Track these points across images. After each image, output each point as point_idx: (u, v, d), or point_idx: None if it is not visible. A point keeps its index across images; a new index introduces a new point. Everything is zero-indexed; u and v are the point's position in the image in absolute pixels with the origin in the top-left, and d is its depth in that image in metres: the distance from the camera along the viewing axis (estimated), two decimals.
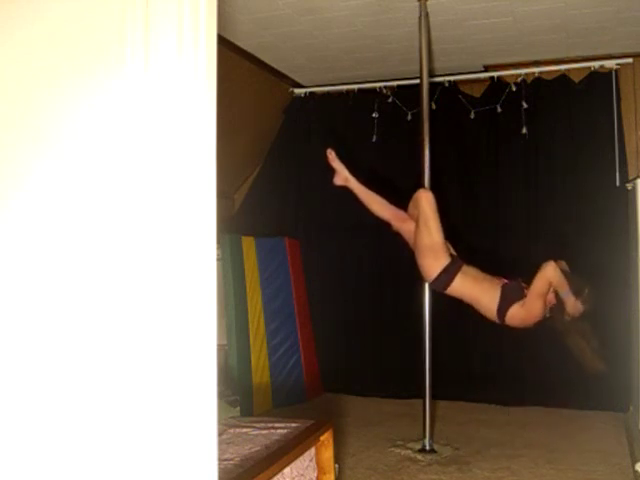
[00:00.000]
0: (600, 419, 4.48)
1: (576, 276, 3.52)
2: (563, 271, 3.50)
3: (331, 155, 3.78)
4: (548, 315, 3.51)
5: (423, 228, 3.59)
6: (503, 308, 3.52)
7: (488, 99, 5.24)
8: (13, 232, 1.36)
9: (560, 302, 3.45)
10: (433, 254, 3.59)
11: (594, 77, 4.98)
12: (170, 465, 1.25)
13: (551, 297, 3.48)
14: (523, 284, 3.56)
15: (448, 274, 3.56)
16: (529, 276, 3.52)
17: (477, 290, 3.58)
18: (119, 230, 1.28)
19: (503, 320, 3.56)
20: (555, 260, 3.52)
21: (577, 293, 3.43)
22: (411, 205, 3.74)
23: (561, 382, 4.78)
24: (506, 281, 3.60)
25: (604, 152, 4.90)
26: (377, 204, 3.82)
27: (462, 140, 5.35)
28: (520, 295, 3.52)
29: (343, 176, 3.81)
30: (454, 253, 3.69)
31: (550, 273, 3.45)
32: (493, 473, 3.46)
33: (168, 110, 1.27)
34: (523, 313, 3.51)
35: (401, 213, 3.79)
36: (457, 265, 3.59)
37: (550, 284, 3.44)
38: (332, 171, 3.82)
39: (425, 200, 3.62)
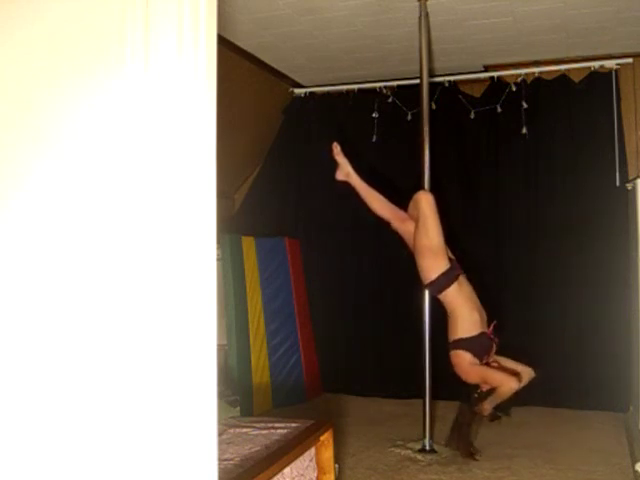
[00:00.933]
0: (600, 419, 4.48)
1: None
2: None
3: (336, 149, 3.78)
4: (475, 396, 3.57)
5: (422, 229, 3.59)
6: (461, 346, 3.55)
7: (488, 99, 5.24)
8: (13, 232, 1.36)
9: (483, 396, 3.54)
10: (432, 255, 3.59)
11: (594, 77, 4.98)
12: (170, 465, 1.25)
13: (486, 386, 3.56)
14: (495, 345, 3.63)
15: (446, 279, 3.57)
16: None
17: (463, 307, 3.59)
18: (119, 230, 1.28)
19: (450, 350, 3.60)
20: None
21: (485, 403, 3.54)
22: (411, 206, 3.74)
23: (561, 382, 4.78)
24: (488, 330, 3.63)
25: (604, 152, 4.90)
26: (378, 202, 3.82)
27: (462, 140, 5.35)
28: (483, 351, 3.57)
29: (345, 171, 3.81)
30: (452, 257, 3.69)
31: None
32: (493, 473, 3.46)
33: (168, 110, 1.27)
34: (464, 365, 3.55)
35: (401, 213, 3.79)
36: (456, 273, 3.60)
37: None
38: (335, 165, 3.82)
39: (425, 201, 3.61)
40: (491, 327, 3.64)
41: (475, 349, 3.54)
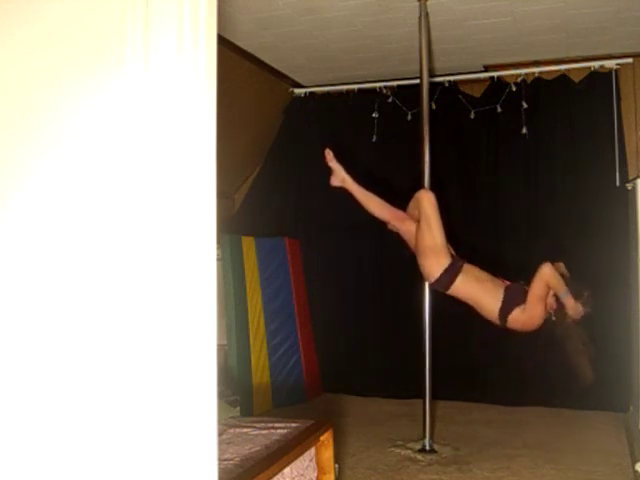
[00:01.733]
0: (600, 419, 4.48)
1: (574, 278, 3.52)
2: (560, 272, 3.49)
3: (329, 155, 3.77)
4: (554, 319, 3.49)
5: (425, 229, 3.58)
6: (505, 311, 3.51)
7: (488, 99, 5.24)
8: (13, 232, 1.36)
9: (560, 305, 3.44)
10: (435, 254, 3.59)
11: (594, 77, 4.98)
12: (170, 465, 1.25)
13: (551, 301, 3.47)
14: (525, 287, 3.56)
15: (450, 274, 3.56)
16: (530, 279, 3.52)
17: (479, 290, 3.58)
18: (119, 230, 1.28)
19: (505, 323, 3.55)
20: (552, 262, 3.51)
21: (577, 295, 3.43)
22: (412, 205, 3.73)
23: (561, 382, 4.77)
24: (509, 283, 3.60)
25: (604, 152, 4.90)
26: (374, 204, 3.82)
27: (462, 140, 5.35)
28: (522, 298, 3.50)
29: (340, 177, 3.80)
30: (453, 253, 3.69)
31: (547, 274, 3.45)
32: (493, 473, 3.46)
33: (168, 110, 1.27)
34: (524, 317, 3.49)
35: (400, 213, 3.78)
36: (459, 265, 3.58)
37: (548, 285, 3.44)
38: (330, 171, 3.82)
39: (427, 200, 3.61)
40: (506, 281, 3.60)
41: (516, 301, 3.50)
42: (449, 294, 3.66)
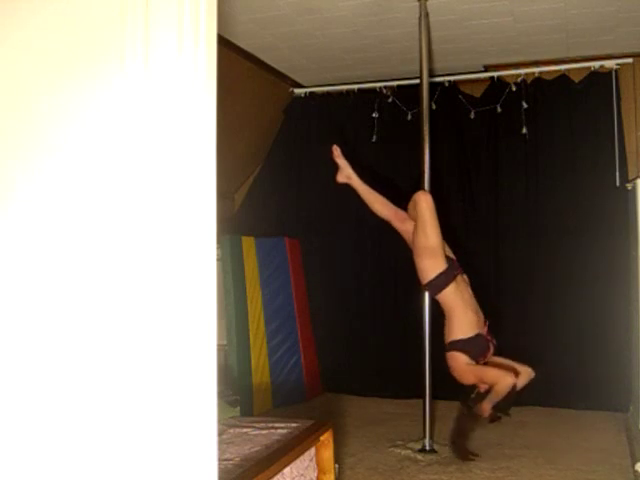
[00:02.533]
0: (600, 419, 4.48)
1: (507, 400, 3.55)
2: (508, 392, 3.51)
3: (336, 151, 3.78)
4: (473, 396, 3.56)
5: (421, 230, 3.59)
6: (457, 347, 3.55)
7: (488, 99, 5.24)
8: (13, 231, 1.36)
9: (481, 397, 3.52)
10: (430, 256, 3.59)
11: (594, 77, 4.98)
12: (170, 465, 1.25)
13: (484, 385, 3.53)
14: (492, 346, 3.63)
15: (443, 280, 3.57)
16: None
17: (459, 311, 3.59)
18: (119, 230, 1.28)
19: (446, 351, 3.60)
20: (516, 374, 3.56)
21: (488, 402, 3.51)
22: (410, 206, 3.74)
23: (561, 382, 4.78)
24: (485, 329, 3.62)
25: (604, 152, 4.90)
26: (378, 203, 3.82)
27: (462, 140, 5.35)
28: (480, 352, 3.57)
29: (346, 173, 3.81)
30: (453, 257, 3.69)
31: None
32: (493, 473, 3.46)
33: (168, 110, 1.27)
34: (460, 367, 3.54)
35: (401, 213, 3.79)
36: (454, 273, 3.59)
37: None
38: (335, 167, 3.82)
39: (424, 202, 3.61)
40: (486, 327, 3.63)
41: (471, 350, 3.54)
42: (436, 298, 3.67)
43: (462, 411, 3.69)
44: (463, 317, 3.56)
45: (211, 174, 1.31)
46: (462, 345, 3.53)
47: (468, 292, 3.65)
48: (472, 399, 3.56)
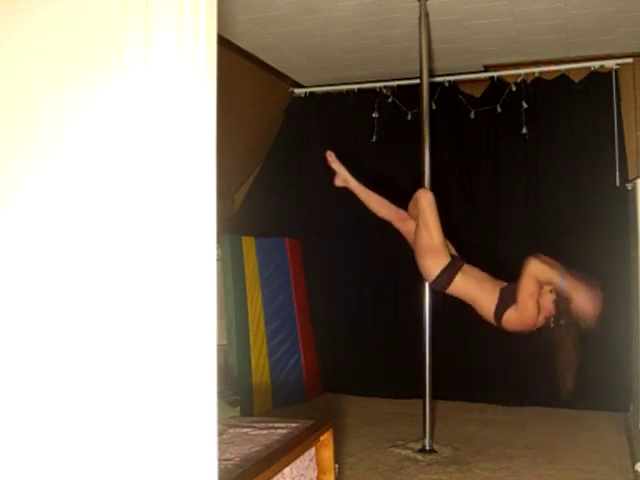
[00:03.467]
0: (600, 419, 4.48)
1: (563, 265, 3.37)
2: (547, 262, 3.39)
3: (331, 157, 3.78)
4: (552, 326, 3.37)
5: (423, 228, 3.58)
6: (500, 311, 3.49)
7: (488, 99, 5.24)
8: (13, 231, 1.36)
9: (563, 299, 3.35)
10: (433, 254, 3.58)
11: (594, 77, 4.98)
12: (170, 465, 1.25)
13: (549, 305, 3.35)
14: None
15: (448, 274, 3.55)
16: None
17: (477, 290, 3.56)
18: (118, 230, 1.28)
19: (499, 323, 3.53)
20: (535, 255, 3.43)
21: (588, 286, 3.25)
22: (411, 205, 3.73)
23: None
24: (505, 284, 3.58)
25: (604, 152, 4.90)
26: (377, 204, 3.82)
27: (462, 140, 5.35)
28: (516, 298, 3.49)
29: (343, 177, 3.81)
30: (455, 253, 3.68)
31: (533, 268, 3.37)
32: (493, 473, 3.46)
33: (168, 110, 1.27)
34: (517, 317, 3.42)
35: (401, 212, 3.78)
36: (458, 265, 3.58)
37: (537, 280, 3.37)
38: (332, 172, 3.82)
39: (425, 200, 3.61)
40: (503, 283, 3.54)
41: (510, 301, 3.43)
42: (448, 292, 3.65)
43: (564, 348, 3.42)
44: (486, 293, 3.51)
45: (211, 174, 1.31)
46: (501, 307, 3.44)
47: (478, 271, 3.61)
48: (563, 314, 3.29)
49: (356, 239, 5.49)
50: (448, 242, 3.68)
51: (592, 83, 4.98)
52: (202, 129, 1.29)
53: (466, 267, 3.59)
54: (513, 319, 3.45)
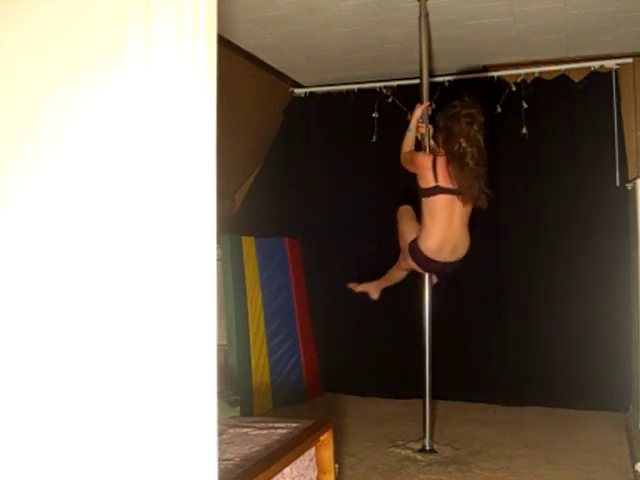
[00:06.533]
0: (600, 419, 4.48)
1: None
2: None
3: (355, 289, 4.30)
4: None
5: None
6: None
7: (488, 99, 5.23)
8: (13, 231, 1.36)
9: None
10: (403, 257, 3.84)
11: (594, 77, 4.98)
12: (170, 465, 1.25)
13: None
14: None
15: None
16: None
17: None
18: (119, 230, 1.28)
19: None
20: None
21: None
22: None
23: (561, 382, 4.78)
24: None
25: (604, 152, 4.90)
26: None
27: None
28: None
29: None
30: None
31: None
32: (493, 473, 3.46)
33: (168, 110, 1.27)
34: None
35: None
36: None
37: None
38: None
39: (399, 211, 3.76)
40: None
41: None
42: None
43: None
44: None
45: (211, 174, 1.31)
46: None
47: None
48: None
49: (356, 239, 5.48)
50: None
51: (592, 83, 4.98)
52: (202, 129, 1.29)
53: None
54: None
